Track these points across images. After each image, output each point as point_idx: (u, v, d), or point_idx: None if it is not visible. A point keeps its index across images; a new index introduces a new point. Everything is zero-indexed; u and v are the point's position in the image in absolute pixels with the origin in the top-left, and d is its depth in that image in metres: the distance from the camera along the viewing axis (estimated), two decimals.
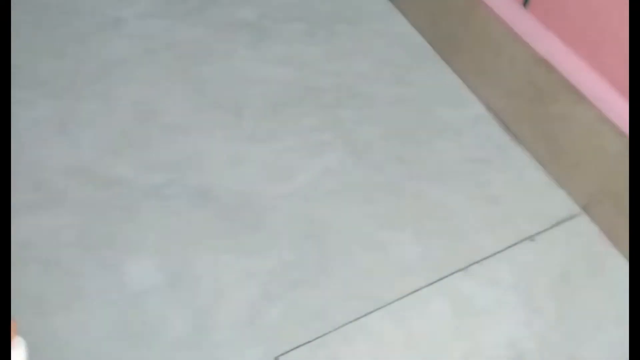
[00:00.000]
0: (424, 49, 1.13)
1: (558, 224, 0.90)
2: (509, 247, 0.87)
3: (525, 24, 0.94)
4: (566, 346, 0.78)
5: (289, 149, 0.96)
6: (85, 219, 0.86)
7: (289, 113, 1.00)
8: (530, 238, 0.88)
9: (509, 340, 0.79)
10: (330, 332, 0.78)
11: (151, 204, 0.88)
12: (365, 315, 0.79)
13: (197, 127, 0.97)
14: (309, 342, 0.77)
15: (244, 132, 0.97)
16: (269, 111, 1.00)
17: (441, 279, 0.84)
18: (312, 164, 0.94)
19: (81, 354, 0.74)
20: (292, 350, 0.76)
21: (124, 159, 0.92)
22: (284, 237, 0.86)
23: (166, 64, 1.06)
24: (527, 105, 0.96)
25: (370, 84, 1.06)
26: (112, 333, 0.76)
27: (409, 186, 0.93)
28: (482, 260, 0.86)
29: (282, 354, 0.75)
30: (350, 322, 0.79)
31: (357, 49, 1.12)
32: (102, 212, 0.86)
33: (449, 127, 1.01)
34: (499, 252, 0.87)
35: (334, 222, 0.88)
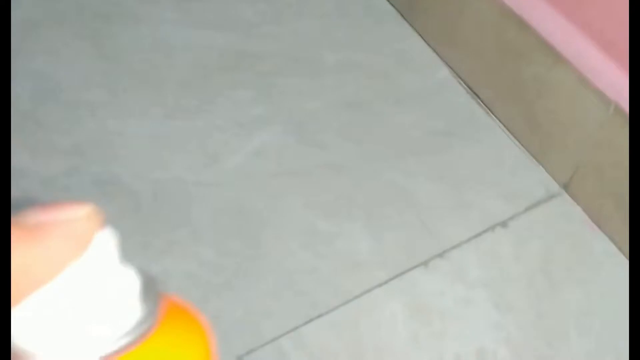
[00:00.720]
0: (381, 4, 0.98)
1: (534, 206, 0.77)
2: (477, 235, 0.74)
3: None
4: (546, 352, 0.66)
5: (216, 127, 0.81)
6: None
7: (218, 84, 0.86)
8: (502, 224, 0.75)
9: (477, 348, 0.66)
10: (259, 347, 0.64)
11: (49, 196, 0.73)
12: (304, 324, 0.66)
13: (108, 104, 0.82)
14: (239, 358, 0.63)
15: (164, 108, 0.83)
16: (195, 83, 0.86)
17: (397, 276, 0.71)
18: (243, 144, 0.80)
19: None
20: None
21: (17, 144, 0.77)
22: (205, 233, 0.72)
23: (75, 29, 0.91)
24: (498, 68, 0.83)
25: (317, 47, 0.91)
26: None
27: (361, 167, 0.79)
28: (445, 252, 0.73)
29: None
30: (285, 333, 0.65)
31: (301, 6, 0.97)
32: None
33: (409, 95, 0.87)
34: (465, 241, 0.74)
35: (269, 213, 0.74)
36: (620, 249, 0.74)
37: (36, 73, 0.85)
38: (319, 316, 0.67)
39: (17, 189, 0.74)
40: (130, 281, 0.19)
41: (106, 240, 0.18)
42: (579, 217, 0.77)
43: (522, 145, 0.83)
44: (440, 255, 0.73)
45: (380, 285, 0.70)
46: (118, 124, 0.80)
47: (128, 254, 0.68)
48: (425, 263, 0.72)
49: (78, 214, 0.18)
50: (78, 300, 0.17)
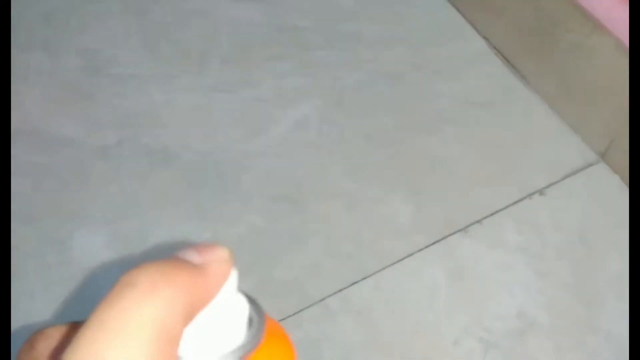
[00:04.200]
0: None
1: (572, 174, 0.78)
2: (516, 202, 0.76)
3: None
4: (583, 315, 0.68)
5: (260, 99, 0.84)
6: (28, 185, 0.75)
7: (260, 57, 0.88)
8: (540, 192, 0.77)
9: (516, 310, 0.68)
10: (308, 306, 0.67)
11: (102, 166, 0.77)
12: (349, 285, 0.69)
13: (154, 77, 0.85)
14: (284, 318, 0.66)
15: (208, 80, 0.85)
16: (237, 56, 0.88)
17: (437, 241, 0.73)
18: (286, 115, 0.82)
19: (20, 340, 0.64)
20: None
21: (70, 117, 0.81)
22: (254, 200, 0.75)
23: (120, 6, 0.93)
24: (535, 37, 0.83)
25: (355, 21, 0.93)
26: (56, 316, 0.66)
27: (399, 137, 0.81)
28: (484, 218, 0.74)
29: None
30: (332, 294, 0.68)
31: None
32: (46, 177, 0.76)
33: (445, 67, 0.88)
34: (504, 208, 0.75)
35: (312, 182, 0.76)
36: None
37: (85, 49, 0.88)
38: (364, 279, 0.70)
39: (73, 160, 0.77)
40: (242, 307, 0.23)
41: (233, 275, 0.23)
42: (617, 185, 0.78)
43: (559, 114, 0.84)
44: (479, 221, 0.75)
45: (421, 250, 0.72)
46: (165, 97, 0.83)
47: (179, 220, 0.71)
48: (464, 229, 0.74)
49: (225, 255, 0.22)
50: (209, 322, 0.22)
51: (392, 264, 0.71)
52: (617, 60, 0.73)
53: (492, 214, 0.75)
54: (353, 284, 0.69)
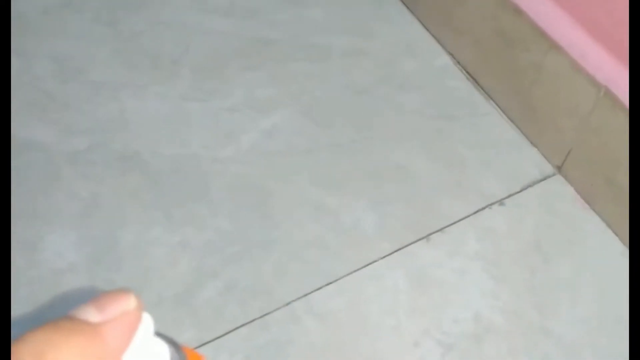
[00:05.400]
0: None
1: (530, 185, 0.82)
2: (476, 212, 0.79)
3: None
4: (537, 319, 0.71)
5: (230, 108, 0.86)
6: None
7: (231, 68, 0.90)
8: (500, 202, 0.80)
9: (474, 314, 0.71)
10: (273, 311, 0.69)
11: (72, 170, 0.78)
12: (313, 291, 0.71)
13: (126, 84, 0.87)
14: (249, 322, 0.68)
15: (179, 89, 0.87)
16: (209, 66, 0.90)
17: (399, 249, 0.75)
18: (255, 125, 0.84)
19: None
20: (230, 332, 0.67)
21: (41, 122, 0.82)
22: (222, 205, 0.76)
23: (92, 14, 0.94)
24: (496, 55, 0.87)
25: (325, 34, 0.95)
26: (25, 319, 0.66)
27: (365, 147, 0.84)
28: (445, 227, 0.77)
29: (220, 336, 0.67)
30: (297, 299, 0.70)
31: None
32: (16, 181, 0.76)
33: (411, 81, 0.91)
34: (464, 218, 0.78)
35: (280, 189, 0.78)
36: (609, 226, 0.78)
37: (59, 56, 0.89)
38: (327, 284, 0.72)
39: (43, 164, 0.78)
40: (161, 352, 0.23)
41: (145, 321, 0.21)
42: (571, 196, 0.81)
43: (518, 128, 0.87)
44: (441, 230, 0.77)
45: (383, 257, 0.75)
46: (137, 104, 0.85)
47: (149, 224, 0.73)
48: (426, 237, 0.77)
49: (131, 305, 0.20)
50: None
51: (356, 270, 0.73)
52: (571, 79, 0.77)
53: (453, 223, 0.78)
54: (318, 288, 0.71)
